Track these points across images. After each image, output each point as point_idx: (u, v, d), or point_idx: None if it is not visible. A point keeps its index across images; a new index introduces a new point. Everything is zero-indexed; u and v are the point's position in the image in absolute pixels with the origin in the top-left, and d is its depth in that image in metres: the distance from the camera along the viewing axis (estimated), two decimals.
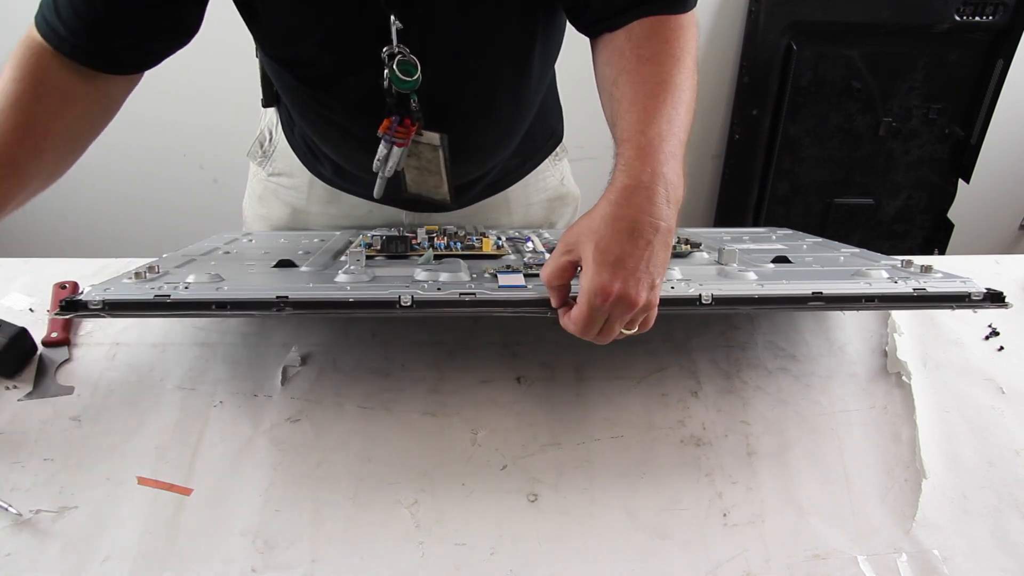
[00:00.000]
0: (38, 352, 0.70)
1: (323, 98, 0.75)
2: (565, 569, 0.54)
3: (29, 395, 0.66)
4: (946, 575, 0.54)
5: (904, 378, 0.70)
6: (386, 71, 0.66)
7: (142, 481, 0.59)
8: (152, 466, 0.60)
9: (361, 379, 0.68)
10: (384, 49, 0.65)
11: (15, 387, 0.67)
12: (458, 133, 0.75)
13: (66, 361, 0.70)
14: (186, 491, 0.58)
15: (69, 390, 0.67)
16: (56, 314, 0.54)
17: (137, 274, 0.60)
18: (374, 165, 0.73)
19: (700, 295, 0.57)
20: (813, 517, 0.58)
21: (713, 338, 0.74)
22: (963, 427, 0.66)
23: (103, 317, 0.55)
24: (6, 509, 0.55)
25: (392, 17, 0.64)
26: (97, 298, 0.54)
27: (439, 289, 0.57)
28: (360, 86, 0.71)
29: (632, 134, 0.57)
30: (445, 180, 0.76)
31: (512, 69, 0.76)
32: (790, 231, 0.95)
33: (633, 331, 0.54)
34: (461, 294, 0.56)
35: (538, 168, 0.95)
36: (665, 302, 0.55)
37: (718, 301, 0.57)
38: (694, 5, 0.67)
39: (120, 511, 0.56)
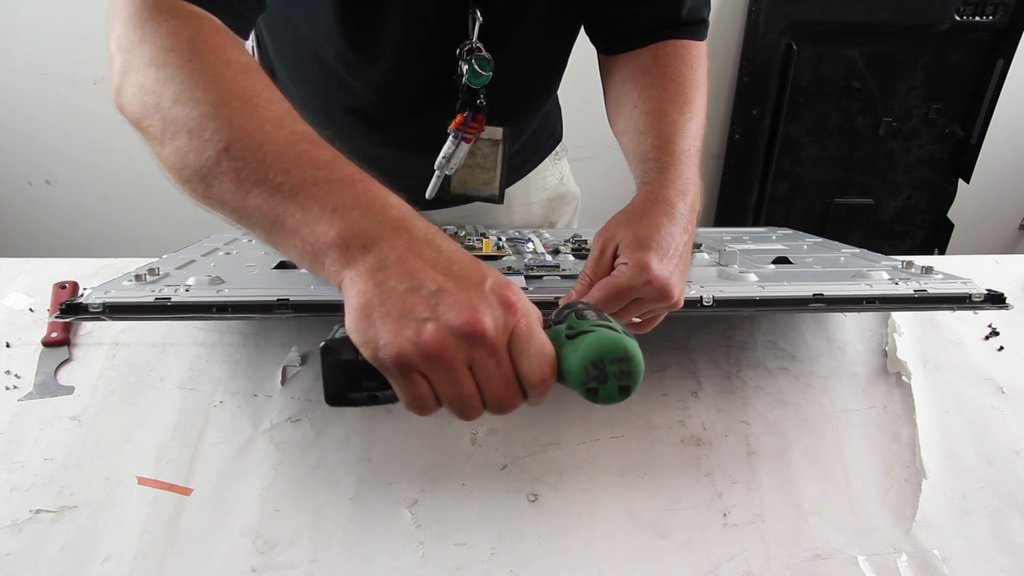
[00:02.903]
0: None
1: (368, 95, 0.75)
2: (565, 569, 0.54)
3: (29, 395, 0.66)
4: (946, 575, 0.54)
5: (904, 378, 0.70)
6: (464, 66, 0.66)
7: (142, 481, 0.59)
8: (152, 466, 0.60)
9: None
10: (462, 44, 0.66)
11: (15, 387, 0.67)
12: (511, 128, 0.76)
13: (66, 361, 0.70)
14: (186, 491, 0.58)
15: (69, 390, 0.67)
16: (56, 317, 0.54)
17: (137, 276, 0.60)
18: (437, 163, 0.73)
19: (701, 297, 0.57)
20: (813, 517, 0.58)
21: (713, 338, 0.74)
22: (963, 427, 0.66)
23: (103, 320, 0.55)
24: None
25: (477, 11, 0.64)
26: (97, 301, 0.54)
27: None
28: (425, 82, 0.71)
29: (665, 143, 0.60)
30: (498, 176, 0.77)
31: (553, 67, 0.78)
32: (790, 231, 0.95)
33: (639, 323, 0.54)
34: None
35: (538, 167, 0.95)
36: None
37: (719, 303, 0.57)
38: (707, 34, 0.71)
39: (120, 511, 0.56)
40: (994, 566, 0.55)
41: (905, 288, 0.60)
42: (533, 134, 0.89)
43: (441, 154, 0.72)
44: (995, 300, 0.60)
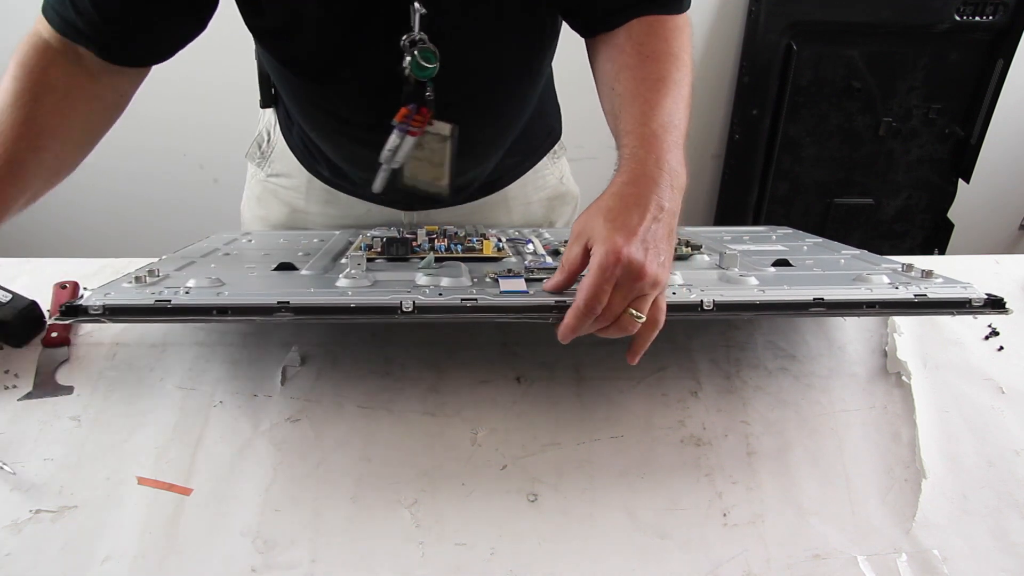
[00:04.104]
0: (45, 325, 0.72)
1: (326, 92, 0.75)
2: (565, 569, 0.54)
3: (29, 395, 0.66)
4: (946, 575, 0.54)
5: (904, 378, 0.70)
6: (407, 58, 0.65)
7: (142, 481, 0.59)
8: (152, 466, 0.60)
9: (361, 379, 0.68)
10: (404, 36, 0.65)
11: (15, 387, 0.67)
12: (466, 125, 0.74)
13: (66, 361, 0.70)
14: (186, 491, 0.58)
15: (69, 390, 0.67)
16: (56, 319, 0.55)
17: (137, 278, 0.60)
18: (382, 155, 0.72)
19: (702, 301, 0.58)
20: (813, 517, 0.58)
21: (713, 338, 0.74)
22: (963, 427, 0.66)
23: (104, 322, 0.55)
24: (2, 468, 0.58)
25: (416, 3, 0.63)
26: (97, 303, 0.54)
27: (440, 295, 0.58)
28: (371, 76, 0.70)
29: (636, 125, 0.59)
30: (447, 172, 0.75)
31: (518, 63, 0.76)
32: (790, 230, 0.95)
33: (642, 319, 0.54)
34: (463, 299, 0.56)
35: (537, 166, 0.95)
36: (668, 308, 0.56)
37: (720, 307, 0.58)
38: (689, 6, 0.69)
39: (120, 511, 0.56)
40: (994, 566, 0.55)
41: (905, 292, 0.61)
42: (530, 132, 0.89)
43: (386, 147, 0.71)
44: (995, 305, 0.60)
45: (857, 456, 0.63)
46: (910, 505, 0.59)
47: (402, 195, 0.85)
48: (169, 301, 0.55)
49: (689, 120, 0.62)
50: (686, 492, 0.60)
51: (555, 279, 0.57)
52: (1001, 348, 0.75)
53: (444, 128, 0.72)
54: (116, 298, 0.55)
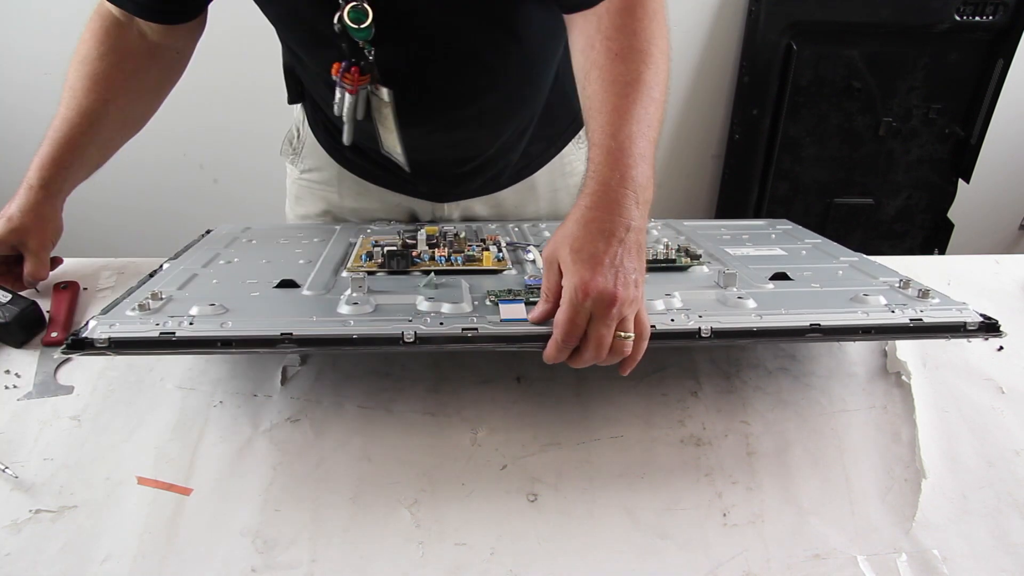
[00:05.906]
0: (45, 325, 0.74)
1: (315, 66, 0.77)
2: (565, 569, 0.54)
3: (29, 395, 0.66)
4: (946, 575, 0.54)
5: (904, 378, 0.70)
6: (338, 15, 0.66)
7: (142, 481, 0.59)
8: (152, 466, 0.60)
9: (361, 379, 0.68)
10: None
11: (15, 387, 0.67)
12: (434, 99, 0.77)
13: (66, 361, 0.70)
14: (186, 491, 0.58)
15: (69, 390, 0.67)
16: (63, 351, 0.55)
17: (141, 306, 0.61)
18: (334, 107, 0.74)
19: (700, 328, 0.59)
20: (813, 517, 0.58)
21: None
22: (963, 427, 0.66)
23: (109, 355, 0.56)
24: (3, 471, 0.58)
25: None
26: (103, 336, 0.55)
27: (442, 323, 0.59)
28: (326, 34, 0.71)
29: (602, 138, 0.58)
30: (399, 140, 0.77)
31: (489, 45, 0.74)
32: (790, 225, 0.96)
33: (632, 336, 0.55)
34: (464, 329, 0.58)
35: (562, 152, 0.95)
36: (666, 335, 0.58)
37: (717, 335, 0.59)
38: None
39: (120, 511, 0.56)
40: (994, 566, 0.55)
41: (901, 317, 0.62)
42: (555, 118, 0.89)
43: (335, 98, 0.74)
44: (989, 329, 0.61)
45: (857, 456, 0.63)
46: (910, 505, 0.59)
47: (430, 184, 0.88)
48: (173, 333, 0.56)
49: (662, 118, 0.60)
50: (686, 492, 0.60)
51: (538, 309, 0.58)
52: (1001, 348, 0.75)
53: (384, 93, 0.73)
54: (121, 330, 0.56)
